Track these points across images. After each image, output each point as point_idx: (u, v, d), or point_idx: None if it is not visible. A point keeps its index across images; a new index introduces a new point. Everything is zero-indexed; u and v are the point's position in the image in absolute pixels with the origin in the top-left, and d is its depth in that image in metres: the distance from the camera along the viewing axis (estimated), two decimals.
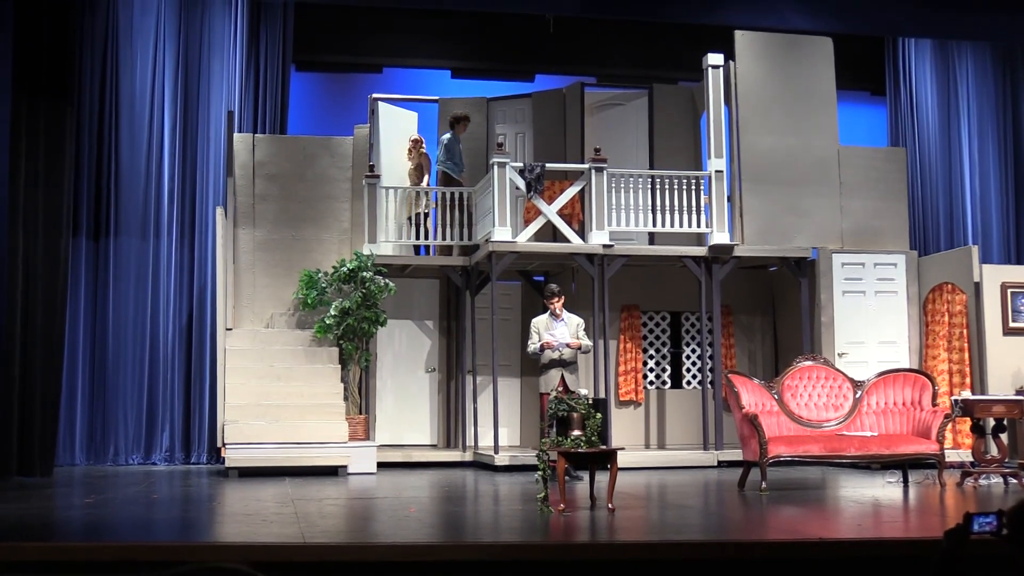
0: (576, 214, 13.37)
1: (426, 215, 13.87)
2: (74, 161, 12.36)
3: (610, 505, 8.08)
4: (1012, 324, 12.89)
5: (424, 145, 14.41)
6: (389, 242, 13.57)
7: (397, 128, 14.57)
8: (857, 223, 13.81)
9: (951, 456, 11.49)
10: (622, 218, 13.22)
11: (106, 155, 13.62)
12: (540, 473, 8.13)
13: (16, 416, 11.03)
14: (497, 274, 12.82)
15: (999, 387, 12.50)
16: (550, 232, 13.34)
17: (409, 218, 13.75)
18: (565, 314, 11.78)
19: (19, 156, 11.11)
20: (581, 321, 11.85)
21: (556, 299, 11.72)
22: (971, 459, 10.89)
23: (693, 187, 13.41)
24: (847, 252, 13.65)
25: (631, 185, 13.34)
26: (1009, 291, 12.95)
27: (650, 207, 13.33)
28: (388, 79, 15.43)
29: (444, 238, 13.72)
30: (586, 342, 11.78)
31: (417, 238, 13.77)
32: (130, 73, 13.79)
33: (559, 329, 11.61)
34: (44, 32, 11.41)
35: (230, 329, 12.99)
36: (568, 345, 11.53)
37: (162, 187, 13.77)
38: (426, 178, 14.23)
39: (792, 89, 13.83)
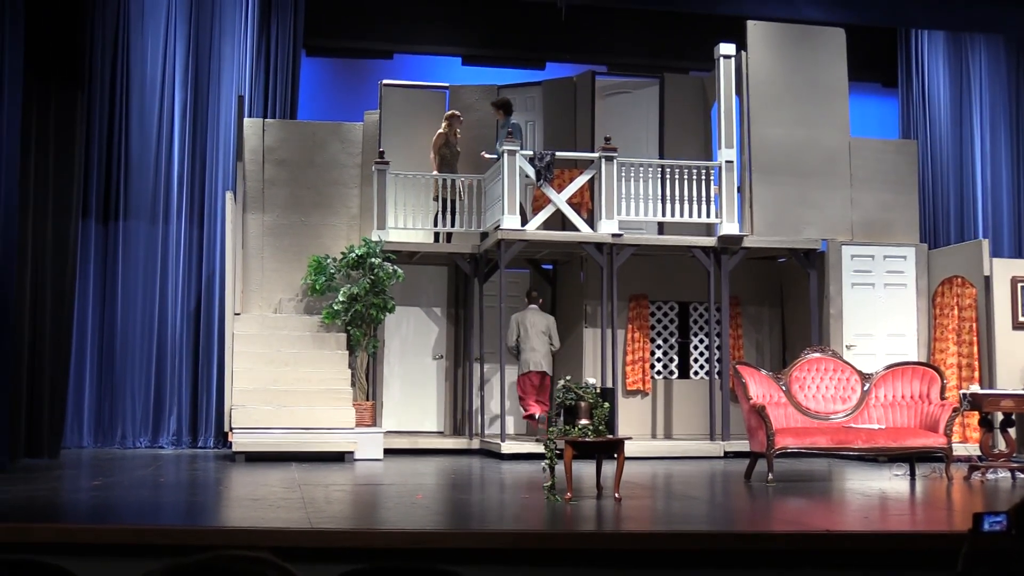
0: (585, 203, 13.36)
1: (460, 200, 13.68)
2: (84, 145, 12.36)
3: (617, 494, 8.08)
4: (1022, 318, 12.86)
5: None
6: (398, 228, 13.55)
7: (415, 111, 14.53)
8: (867, 215, 13.78)
9: (959, 450, 11.45)
10: (632, 207, 13.20)
11: (116, 139, 13.63)
12: (547, 462, 8.13)
13: (25, 398, 11.05)
14: (506, 262, 12.81)
15: (1008, 381, 12.48)
16: (559, 221, 13.32)
17: (436, 198, 13.61)
18: (540, 313, 13.30)
19: (30, 140, 11.11)
20: (553, 323, 13.35)
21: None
22: (979, 453, 10.86)
23: (703, 177, 13.37)
24: (857, 244, 13.62)
25: (641, 174, 13.31)
26: (1019, 285, 12.91)
27: (660, 197, 13.31)
28: (398, 65, 15.41)
29: (453, 225, 13.67)
30: (556, 343, 13.31)
31: (442, 222, 13.63)
32: (140, 57, 13.79)
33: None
34: (55, 17, 11.39)
35: (238, 314, 13.01)
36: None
37: (172, 171, 13.78)
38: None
39: (803, 80, 13.79)
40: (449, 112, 14.11)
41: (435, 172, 13.78)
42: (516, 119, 13.90)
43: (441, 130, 13.95)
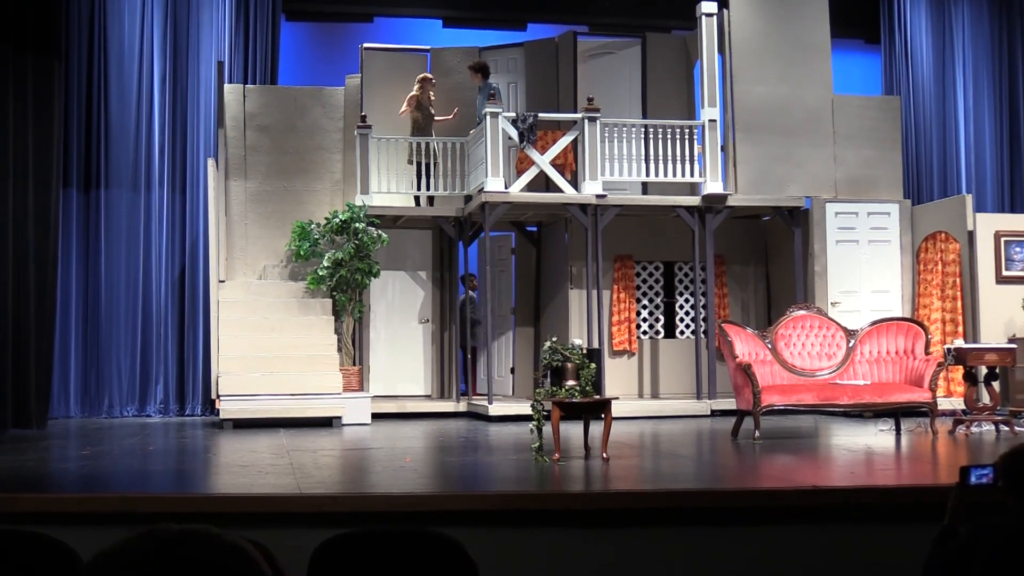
0: (569, 164, 13.32)
1: (434, 164, 13.65)
2: (63, 113, 12.28)
3: (604, 454, 8.11)
4: (1005, 273, 12.91)
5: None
6: (382, 193, 13.49)
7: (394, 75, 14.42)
8: (851, 172, 13.78)
9: (943, 404, 11.53)
10: (615, 168, 13.17)
11: (95, 107, 13.52)
12: (535, 423, 8.16)
13: (10, 368, 11.04)
14: (490, 225, 12.78)
15: (991, 335, 12.54)
16: (543, 182, 13.29)
17: (417, 162, 13.56)
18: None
19: (7, 110, 11.02)
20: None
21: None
22: (963, 407, 10.93)
23: (687, 136, 13.34)
24: (840, 201, 13.63)
25: (624, 135, 13.27)
26: (1002, 240, 12.96)
27: (643, 157, 13.28)
28: (379, 28, 15.30)
29: (436, 188, 13.63)
30: None
31: (419, 186, 13.61)
32: (118, 23, 13.65)
33: None
34: None
35: (223, 281, 12.97)
36: None
37: (152, 139, 13.69)
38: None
39: (786, 37, 13.74)
40: (421, 75, 14.02)
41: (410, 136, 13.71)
42: (496, 81, 13.82)
43: (413, 92, 13.88)
